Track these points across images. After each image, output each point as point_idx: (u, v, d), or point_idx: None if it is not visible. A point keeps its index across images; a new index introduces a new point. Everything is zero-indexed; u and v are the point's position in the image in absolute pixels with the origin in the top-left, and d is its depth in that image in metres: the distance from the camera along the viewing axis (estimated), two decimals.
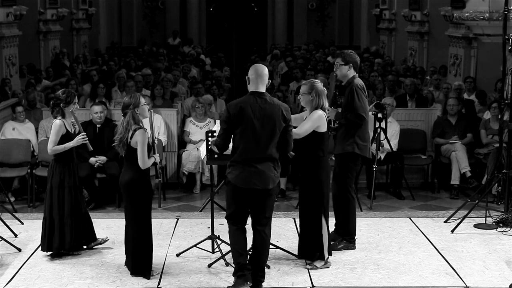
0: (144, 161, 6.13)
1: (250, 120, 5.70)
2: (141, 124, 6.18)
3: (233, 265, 6.27)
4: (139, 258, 6.22)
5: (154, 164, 6.38)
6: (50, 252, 6.75)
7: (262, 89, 5.92)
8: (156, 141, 6.49)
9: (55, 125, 6.68)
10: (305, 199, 6.47)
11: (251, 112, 5.74)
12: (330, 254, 6.47)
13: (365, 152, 6.81)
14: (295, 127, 6.17)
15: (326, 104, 6.35)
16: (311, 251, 6.48)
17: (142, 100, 6.26)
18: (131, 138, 6.11)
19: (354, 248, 6.89)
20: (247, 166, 5.69)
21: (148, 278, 6.18)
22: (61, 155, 6.68)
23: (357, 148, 6.71)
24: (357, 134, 6.69)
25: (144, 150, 6.11)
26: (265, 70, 5.97)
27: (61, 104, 6.69)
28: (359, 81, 6.77)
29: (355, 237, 6.98)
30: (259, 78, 5.92)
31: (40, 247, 6.79)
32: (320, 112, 6.26)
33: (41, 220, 6.83)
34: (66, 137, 6.69)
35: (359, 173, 9.07)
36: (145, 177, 6.23)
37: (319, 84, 6.35)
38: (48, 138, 9.37)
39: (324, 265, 6.41)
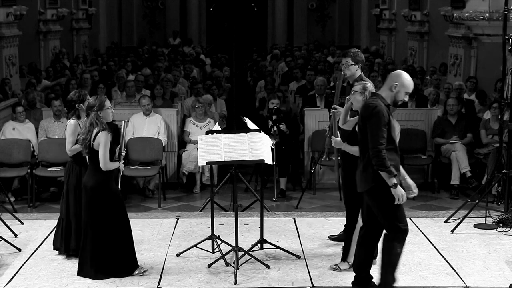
0: (105, 162, 6.08)
1: None
2: (104, 126, 6.12)
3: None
4: (117, 260, 6.18)
5: (118, 170, 6.34)
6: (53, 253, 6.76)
7: (381, 91, 5.68)
8: (123, 153, 6.40)
9: (70, 126, 6.63)
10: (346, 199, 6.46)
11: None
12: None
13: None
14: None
15: None
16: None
17: (108, 104, 6.20)
18: (93, 140, 6.08)
19: None
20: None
21: (128, 275, 6.19)
22: (79, 156, 6.61)
23: None
24: None
25: (106, 152, 6.07)
26: (397, 73, 5.67)
27: (76, 105, 6.61)
28: (367, 81, 6.73)
29: None
30: (386, 80, 5.72)
31: (53, 247, 6.78)
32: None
33: (42, 220, 6.84)
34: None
35: None
36: (110, 180, 6.19)
37: (371, 85, 6.18)
38: (48, 138, 9.46)
39: (348, 269, 6.33)
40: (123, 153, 6.42)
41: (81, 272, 6.23)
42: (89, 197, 6.18)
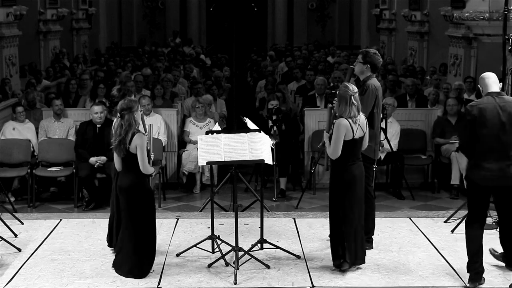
0: (144, 165, 6.10)
1: (492, 120, 5.84)
2: (138, 128, 6.15)
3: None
4: (141, 260, 6.22)
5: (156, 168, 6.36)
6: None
7: (496, 88, 6.00)
8: (152, 157, 6.32)
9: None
10: (329, 201, 6.44)
11: (493, 112, 5.87)
12: (352, 260, 6.34)
13: (369, 152, 6.75)
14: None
15: (351, 114, 6.12)
16: (333, 254, 6.44)
17: (139, 107, 6.22)
18: (129, 143, 6.07)
19: (372, 248, 6.86)
20: (494, 165, 5.89)
21: (142, 277, 6.21)
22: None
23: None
24: None
25: (144, 154, 6.08)
26: (487, 73, 6.12)
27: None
28: (373, 82, 6.71)
29: (373, 237, 6.96)
30: (488, 79, 6.04)
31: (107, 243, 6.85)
32: (343, 121, 6.10)
33: (42, 220, 6.86)
34: None
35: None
36: (145, 180, 6.24)
37: (346, 91, 6.12)
38: (48, 138, 9.47)
39: (348, 269, 6.32)
40: (152, 157, 6.36)
41: (118, 270, 6.30)
42: (125, 198, 6.21)
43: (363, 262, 6.39)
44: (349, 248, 6.27)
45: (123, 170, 6.24)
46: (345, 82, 6.36)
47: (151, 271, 6.31)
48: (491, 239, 7.20)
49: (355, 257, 6.31)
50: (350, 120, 6.12)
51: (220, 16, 24.80)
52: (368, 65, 6.73)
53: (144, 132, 6.26)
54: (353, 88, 6.21)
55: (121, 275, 6.24)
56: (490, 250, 6.58)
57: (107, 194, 8.79)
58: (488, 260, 6.63)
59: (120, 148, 6.12)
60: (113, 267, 6.38)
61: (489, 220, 7.67)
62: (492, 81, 6.01)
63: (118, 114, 6.16)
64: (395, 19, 18.71)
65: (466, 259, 6.64)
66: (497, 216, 7.68)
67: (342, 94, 6.15)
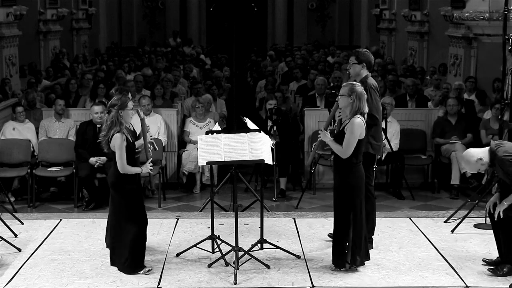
0: (123, 165, 6.10)
1: None
2: (122, 127, 6.11)
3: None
4: (131, 256, 6.24)
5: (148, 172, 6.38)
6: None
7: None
8: (150, 149, 6.35)
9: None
10: (336, 203, 6.39)
11: None
12: (354, 261, 6.31)
13: (378, 151, 6.80)
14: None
15: (366, 109, 6.17)
16: (334, 254, 6.42)
17: (130, 105, 6.20)
18: (110, 140, 6.12)
19: (372, 248, 6.85)
20: None
21: (133, 273, 6.22)
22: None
23: (371, 148, 6.67)
24: (371, 134, 6.62)
25: (121, 155, 6.08)
26: (468, 154, 6.34)
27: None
28: (372, 81, 6.72)
29: (373, 237, 6.96)
30: (471, 152, 6.30)
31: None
32: (358, 119, 6.08)
33: (42, 220, 6.85)
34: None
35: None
36: (129, 176, 6.20)
37: (359, 87, 6.17)
38: (48, 138, 9.46)
39: (348, 269, 6.32)
40: (150, 151, 6.35)
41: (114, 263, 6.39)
42: (111, 192, 6.28)
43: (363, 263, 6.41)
44: (354, 250, 6.26)
45: (112, 165, 6.29)
46: (347, 84, 6.34)
47: (145, 269, 6.30)
48: (491, 239, 7.21)
49: (361, 259, 6.32)
50: (363, 118, 6.14)
51: (220, 16, 24.79)
52: (364, 64, 6.74)
53: (136, 132, 6.32)
54: (360, 85, 6.24)
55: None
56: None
57: (107, 194, 8.83)
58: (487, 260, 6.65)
59: (103, 143, 6.20)
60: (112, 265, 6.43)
61: (489, 220, 7.69)
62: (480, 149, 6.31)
63: (107, 110, 6.24)
64: (395, 19, 18.70)
65: (466, 259, 6.66)
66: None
67: (357, 90, 6.11)
